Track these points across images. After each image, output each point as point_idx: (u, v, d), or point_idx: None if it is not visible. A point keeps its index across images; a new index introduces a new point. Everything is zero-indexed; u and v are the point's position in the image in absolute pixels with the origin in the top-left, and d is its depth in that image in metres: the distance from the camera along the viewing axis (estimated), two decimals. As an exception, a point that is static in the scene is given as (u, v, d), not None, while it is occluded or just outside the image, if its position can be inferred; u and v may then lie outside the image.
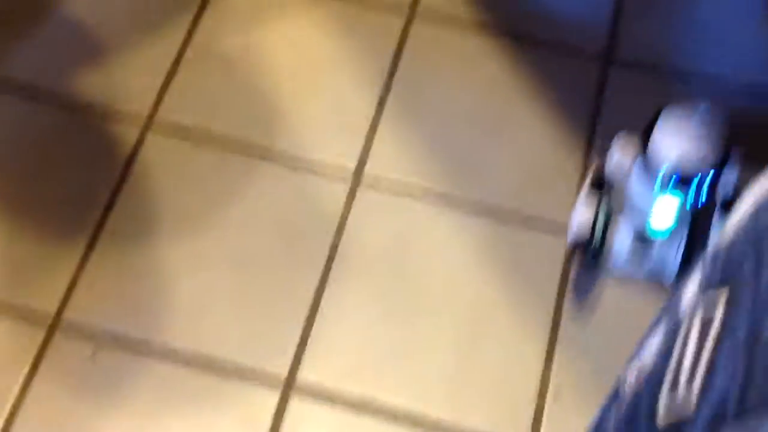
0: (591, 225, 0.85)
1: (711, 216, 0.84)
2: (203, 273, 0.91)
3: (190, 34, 1.05)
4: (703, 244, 0.85)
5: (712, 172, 0.79)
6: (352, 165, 0.98)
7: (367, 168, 0.98)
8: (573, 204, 0.95)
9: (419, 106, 1.02)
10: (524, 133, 1.00)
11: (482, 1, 1.09)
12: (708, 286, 0.39)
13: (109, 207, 0.94)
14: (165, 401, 0.85)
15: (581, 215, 0.86)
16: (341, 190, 0.96)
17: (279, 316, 0.89)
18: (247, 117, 1.00)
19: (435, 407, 0.85)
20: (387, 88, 1.03)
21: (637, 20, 1.08)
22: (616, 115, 1.01)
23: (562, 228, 0.94)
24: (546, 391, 0.86)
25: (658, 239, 0.85)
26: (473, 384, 0.86)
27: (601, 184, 0.86)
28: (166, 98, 1.00)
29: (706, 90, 1.03)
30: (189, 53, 1.03)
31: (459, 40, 1.07)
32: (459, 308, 0.90)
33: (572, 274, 0.91)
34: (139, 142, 0.98)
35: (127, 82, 1.02)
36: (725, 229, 0.41)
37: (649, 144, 0.79)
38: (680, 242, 0.86)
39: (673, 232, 0.85)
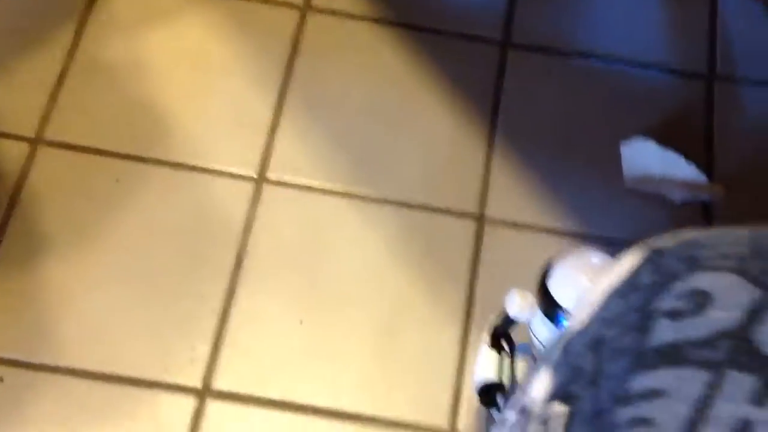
0: (495, 372, 0.80)
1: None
2: (106, 289, 0.88)
3: (74, 46, 1.01)
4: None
5: None
6: (254, 166, 0.95)
7: (271, 168, 0.96)
8: (479, 191, 0.95)
9: (319, 102, 1.00)
10: (427, 122, 0.99)
11: (376, -7, 1.08)
12: (550, 395, 0.37)
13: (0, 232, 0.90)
14: (81, 414, 0.81)
15: (485, 367, 0.81)
16: (245, 193, 0.94)
17: (188, 325, 0.86)
18: (141, 127, 0.97)
19: (355, 402, 0.83)
20: (285, 85, 1.01)
21: (532, 4, 1.08)
22: (517, 99, 1.01)
23: (469, 213, 0.93)
24: (463, 376, 0.85)
25: None
26: (392, 375, 0.85)
27: (498, 343, 0.81)
28: (54, 115, 0.96)
29: (603, 69, 1.04)
30: (74, 66, 0.99)
31: (355, 33, 1.05)
32: (374, 301, 0.89)
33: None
34: (28, 163, 0.94)
35: (11, 103, 0.97)
36: (568, 329, 0.39)
37: (547, 298, 0.74)
38: None
39: None
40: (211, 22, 1.04)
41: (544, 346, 0.76)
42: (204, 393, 0.83)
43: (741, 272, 0.35)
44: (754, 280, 0.35)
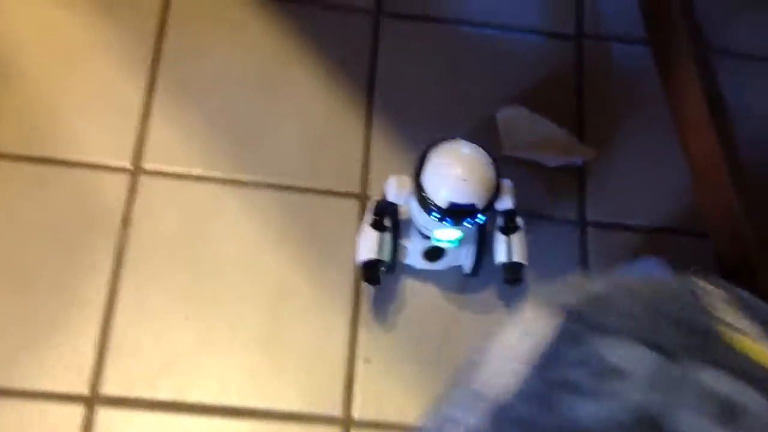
0: (377, 250, 0.85)
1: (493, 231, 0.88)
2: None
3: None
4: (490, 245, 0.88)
5: (484, 206, 0.80)
6: (128, 156, 0.93)
7: (146, 156, 0.93)
8: (360, 170, 0.95)
9: (191, 83, 0.98)
10: (304, 99, 0.98)
11: (242, -35, 1.05)
12: None
13: None
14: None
15: (367, 245, 0.86)
16: (121, 186, 0.91)
17: (70, 328, 0.84)
18: (3, 120, 0.92)
19: (246, 397, 0.84)
20: (155, 65, 0.98)
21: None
22: (393, 71, 1.01)
23: (351, 193, 0.93)
24: (354, 360, 0.86)
25: (448, 247, 0.87)
26: (281, 367, 0.85)
27: (379, 222, 0.85)
28: None
29: (475, 35, 1.05)
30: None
31: (226, 6, 1.02)
32: (258, 291, 0.88)
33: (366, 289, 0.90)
34: None
35: None
36: (487, 393, 0.41)
37: (420, 188, 0.80)
38: (471, 245, 0.88)
39: (461, 241, 0.87)
40: (68, 3, 0.99)
41: (421, 225, 0.85)
42: (92, 400, 0.82)
43: (642, 339, 0.37)
44: (651, 344, 0.37)
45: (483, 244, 0.88)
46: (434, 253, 0.88)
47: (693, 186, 0.94)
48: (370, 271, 0.86)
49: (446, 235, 0.85)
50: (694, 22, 0.92)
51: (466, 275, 0.91)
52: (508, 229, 0.87)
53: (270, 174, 0.94)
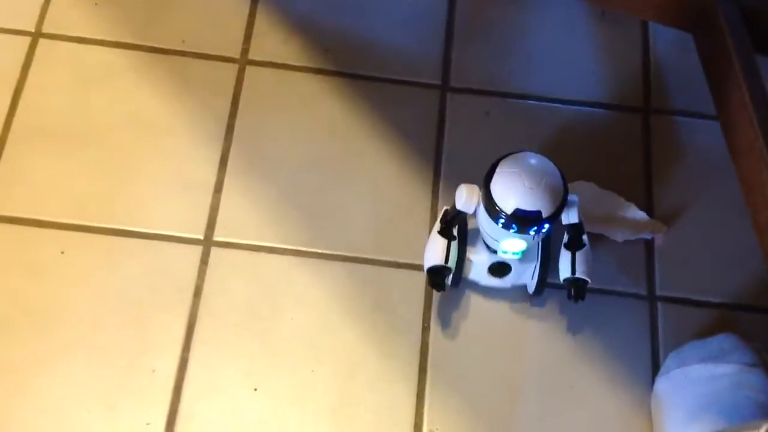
0: (443, 257, 0.88)
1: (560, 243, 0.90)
2: (58, 365, 0.87)
3: (10, 115, 0.99)
4: (555, 262, 0.90)
5: (550, 216, 0.82)
6: (201, 228, 0.95)
7: (218, 229, 0.95)
8: (425, 242, 0.96)
9: (263, 157, 1.00)
10: (372, 173, 1.00)
11: (315, 43, 1.08)
12: None
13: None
14: None
15: (434, 251, 0.89)
16: (193, 257, 0.94)
17: (142, 399, 0.86)
18: (84, 195, 0.96)
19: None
20: (228, 142, 1.01)
21: (468, 47, 1.09)
22: (459, 144, 1.02)
23: (418, 264, 0.94)
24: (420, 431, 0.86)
25: (514, 259, 0.89)
26: (350, 441, 0.85)
27: (448, 231, 0.88)
28: (-6, 186, 0.95)
29: (540, 109, 1.06)
30: (12, 136, 0.98)
31: (295, 84, 1.05)
32: (327, 362, 0.89)
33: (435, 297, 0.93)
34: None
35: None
36: None
37: (488, 195, 0.83)
38: (535, 262, 0.90)
39: (526, 254, 0.89)
40: (150, 82, 1.03)
41: (488, 234, 0.87)
42: (162, 471, 0.83)
43: None
44: None
45: (548, 263, 0.89)
46: (500, 269, 0.90)
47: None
48: (436, 277, 0.89)
49: (512, 246, 0.86)
50: (764, 99, 0.91)
51: (531, 295, 0.93)
52: (573, 245, 0.88)
53: (338, 246, 0.95)
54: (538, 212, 0.81)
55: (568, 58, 1.08)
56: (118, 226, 0.94)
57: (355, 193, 0.99)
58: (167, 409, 0.85)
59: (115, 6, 1.08)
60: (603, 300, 0.94)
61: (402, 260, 0.95)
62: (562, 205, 0.83)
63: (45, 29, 1.05)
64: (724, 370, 0.82)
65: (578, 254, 0.88)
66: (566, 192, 0.84)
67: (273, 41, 1.07)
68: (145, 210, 0.96)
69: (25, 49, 1.04)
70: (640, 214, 0.98)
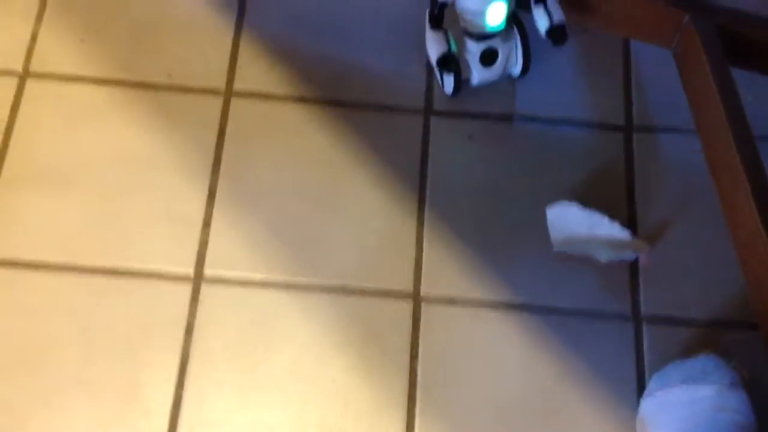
0: (446, 45, 1.01)
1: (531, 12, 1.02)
2: (51, 407, 0.89)
3: (1, 154, 1.01)
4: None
5: None
6: (191, 264, 0.97)
7: (207, 264, 0.97)
8: (413, 270, 0.97)
9: (250, 189, 1.02)
10: (358, 201, 1.01)
11: (298, 72, 1.09)
12: None
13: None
14: None
15: (436, 44, 1.02)
16: (183, 293, 0.95)
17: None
18: (72, 235, 0.97)
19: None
20: (215, 175, 1.02)
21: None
22: (443, 169, 1.04)
23: (405, 293, 0.96)
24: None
25: (498, 37, 1.02)
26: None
27: (439, 21, 1.02)
28: (-14, 232, 0.97)
29: (523, 130, 1.07)
30: (3, 175, 1.00)
31: (280, 113, 1.06)
32: (318, 396, 0.91)
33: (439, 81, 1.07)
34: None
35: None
36: None
37: None
38: (516, 40, 1.04)
39: (506, 33, 1.03)
40: (137, 117, 1.05)
41: (473, 13, 0.99)
42: None
43: None
44: None
45: (525, 34, 1.03)
46: (489, 57, 1.03)
47: (750, 298, 0.93)
48: (450, 64, 1.01)
49: (496, 14, 0.98)
50: (743, 123, 0.92)
51: (519, 77, 1.06)
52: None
53: (327, 277, 0.97)
54: None
55: (549, 77, 1.09)
56: (109, 264, 0.96)
57: (342, 222, 1.00)
58: (161, 447, 0.88)
59: (101, 42, 1.09)
60: (588, 321, 0.95)
61: (389, 288, 0.96)
62: None
63: (32, 68, 1.07)
64: (705, 392, 0.84)
65: (549, 3, 1.00)
66: None
67: (256, 71, 1.09)
68: (134, 247, 0.97)
69: (14, 90, 1.06)
70: (624, 234, 1.00)
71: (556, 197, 1.01)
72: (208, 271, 0.97)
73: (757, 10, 1.02)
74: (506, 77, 1.07)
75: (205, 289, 0.96)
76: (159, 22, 1.11)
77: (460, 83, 1.05)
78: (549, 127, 1.07)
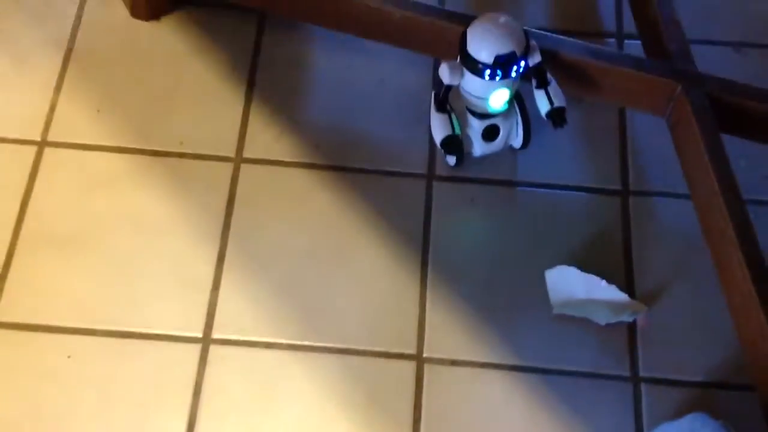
0: (450, 128, 1.04)
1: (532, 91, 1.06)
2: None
3: (18, 222, 1.05)
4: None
5: (521, 58, 0.99)
6: (199, 327, 1.00)
7: (216, 327, 1.00)
8: (416, 331, 1.00)
9: (259, 253, 1.05)
10: (363, 264, 1.04)
11: (306, 140, 1.13)
12: None
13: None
14: None
15: (440, 127, 1.04)
16: (192, 356, 0.98)
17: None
18: (88, 299, 1.01)
19: None
20: (224, 240, 1.06)
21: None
22: (445, 232, 1.07)
23: (408, 355, 0.98)
24: None
25: (499, 115, 1.07)
26: None
27: (443, 104, 1.04)
28: (2, 296, 1.00)
29: (522, 195, 1.10)
30: (21, 243, 1.04)
31: (288, 179, 1.10)
32: (322, 455, 0.93)
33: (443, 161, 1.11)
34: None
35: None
36: None
37: (467, 54, 0.99)
38: (516, 117, 1.08)
39: (508, 111, 1.07)
40: (150, 184, 1.09)
41: (476, 97, 1.03)
42: None
43: None
44: None
45: (526, 111, 1.07)
46: (491, 132, 1.07)
47: (745, 361, 0.95)
48: (452, 146, 1.04)
49: (498, 98, 1.03)
50: (734, 190, 0.95)
51: (520, 149, 1.10)
52: (543, 83, 1.03)
53: (332, 339, 0.99)
54: (513, 52, 0.98)
55: (548, 144, 1.13)
56: (121, 327, 0.99)
57: (347, 284, 1.03)
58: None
59: (116, 112, 1.14)
60: (586, 383, 0.97)
61: (392, 350, 0.99)
62: (528, 42, 1.00)
63: (50, 137, 1.12)
64: None
65: (550, 88, 1.03)
66: (527, 33, 1.01)
67: (266, 139, 1.13)
68: (145, 310, 1.00)
69: (32, 157, 1.10)
70: (622, 296, 1.02)
71: (555, 260, 1.04)
72: (217, 333, 1.00)
73: (747, 80, 1.06)
74: (507, 148, 1.11)
75: (213, 351, 0.98)
76: (172, 92, 1.16)
77: (463, 158, 1.09)
78: (549, 192, 1.11)
